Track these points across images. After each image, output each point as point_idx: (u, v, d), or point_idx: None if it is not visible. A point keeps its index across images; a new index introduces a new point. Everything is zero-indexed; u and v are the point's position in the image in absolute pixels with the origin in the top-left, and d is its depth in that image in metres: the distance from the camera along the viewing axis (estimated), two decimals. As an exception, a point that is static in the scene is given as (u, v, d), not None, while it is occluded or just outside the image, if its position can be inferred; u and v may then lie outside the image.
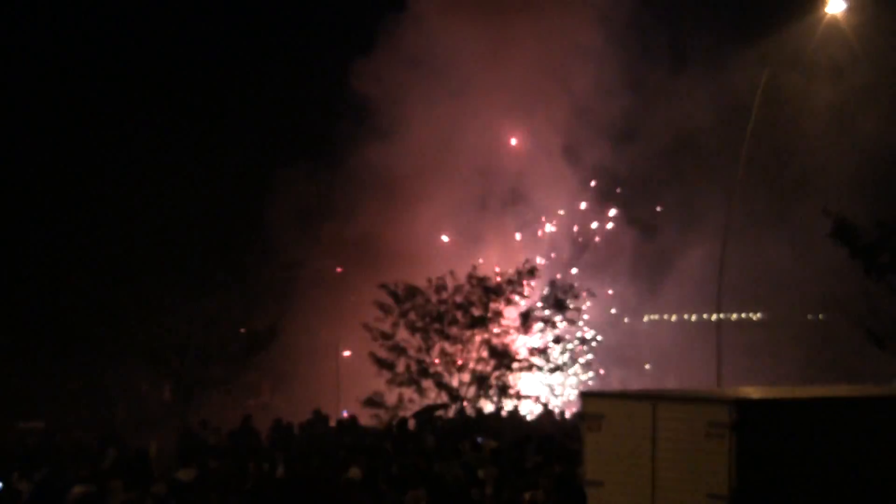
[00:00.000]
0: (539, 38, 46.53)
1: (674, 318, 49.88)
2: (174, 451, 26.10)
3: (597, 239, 48.98)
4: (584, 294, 33.19)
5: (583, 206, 48.38)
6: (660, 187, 48.58)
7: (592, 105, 46.11)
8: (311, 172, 46.96)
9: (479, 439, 27.74)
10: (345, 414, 34.41)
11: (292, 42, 49.74)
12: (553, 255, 47.49)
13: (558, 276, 34.19)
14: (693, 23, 45.99)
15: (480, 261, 34.16)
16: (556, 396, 32.55)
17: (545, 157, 47.35)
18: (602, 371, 46.63)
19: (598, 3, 45.96)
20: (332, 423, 31.51)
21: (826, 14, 36.92)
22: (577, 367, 41.73)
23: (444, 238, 46.58)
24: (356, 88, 45.90)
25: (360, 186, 46.68)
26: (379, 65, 46.10)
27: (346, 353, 43.73)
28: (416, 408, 31.25)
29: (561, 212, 48.48)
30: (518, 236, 47.35)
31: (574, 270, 47.78)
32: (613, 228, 48.64)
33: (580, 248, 48.75)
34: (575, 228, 49.00)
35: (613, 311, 47.97)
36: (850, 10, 36.96)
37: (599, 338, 42.71)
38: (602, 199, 48.73)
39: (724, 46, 44.27)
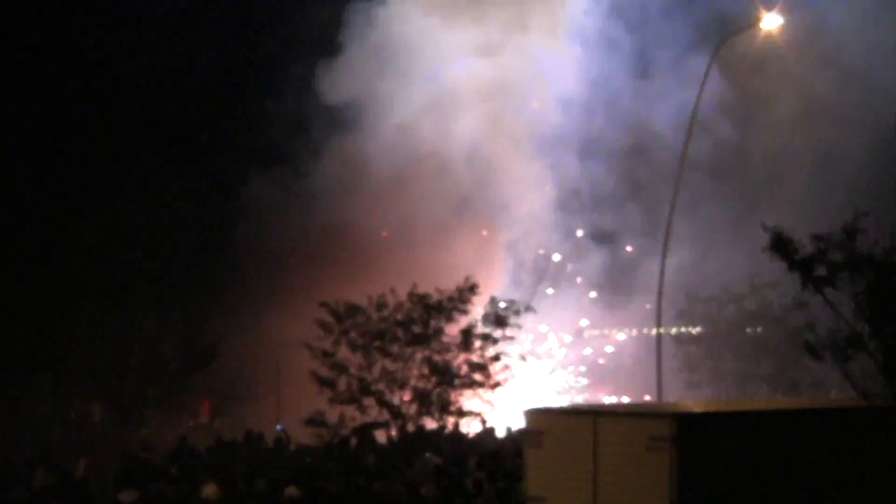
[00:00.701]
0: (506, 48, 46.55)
1: (615, 333, 49.88)
2: (114, 472, 25.89)
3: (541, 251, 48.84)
4: (525, 311, 33.09)
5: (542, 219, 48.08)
6: (613, 201, 48.47)
7: (549, 115, 46.16)
8: (259, 191, 46.42)
9: (428, 454, 27.73)
10: (279, 428, 34.28)
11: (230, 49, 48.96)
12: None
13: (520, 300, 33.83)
14: (648, 35, 46.07)
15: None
16: (494, 415, 32.37)
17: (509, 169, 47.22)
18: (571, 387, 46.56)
19: (560, 16, 46.10)
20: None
21: (762, 30, 37.31)
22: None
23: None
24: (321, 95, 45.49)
25: (311, 204, 46.29)
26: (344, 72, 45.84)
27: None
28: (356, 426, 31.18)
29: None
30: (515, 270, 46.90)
31: (550, 290, 47.82)
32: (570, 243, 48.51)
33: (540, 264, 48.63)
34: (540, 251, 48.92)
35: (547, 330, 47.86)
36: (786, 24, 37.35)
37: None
38: (559, 212, 48.42)
39: (675, 59, 44.52)
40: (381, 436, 31.52)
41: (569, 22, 46.24)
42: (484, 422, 32.21)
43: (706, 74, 36.52)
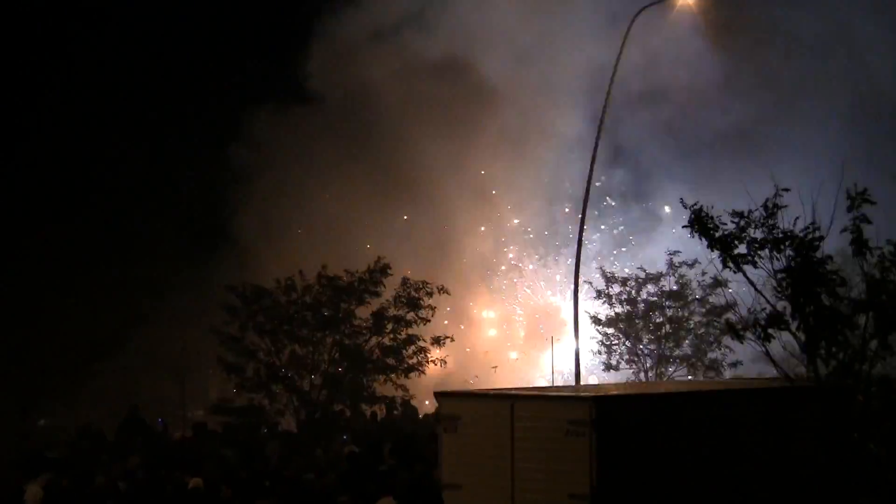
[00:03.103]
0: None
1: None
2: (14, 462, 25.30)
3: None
4: (438, 291, 32.57)
5: None
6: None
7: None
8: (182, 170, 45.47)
9: (344, 439, 27.30)
10: (160, 421, 33.77)
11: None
12: None
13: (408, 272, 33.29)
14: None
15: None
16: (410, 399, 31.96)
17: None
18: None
19: None
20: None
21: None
22: None
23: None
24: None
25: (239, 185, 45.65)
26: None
27: None
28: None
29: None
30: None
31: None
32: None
33: None
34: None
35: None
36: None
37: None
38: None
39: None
40: (288, 422, 31.09)
41: None
42: (395, 407, 31.79)
43: (623, 43, 36.20)
